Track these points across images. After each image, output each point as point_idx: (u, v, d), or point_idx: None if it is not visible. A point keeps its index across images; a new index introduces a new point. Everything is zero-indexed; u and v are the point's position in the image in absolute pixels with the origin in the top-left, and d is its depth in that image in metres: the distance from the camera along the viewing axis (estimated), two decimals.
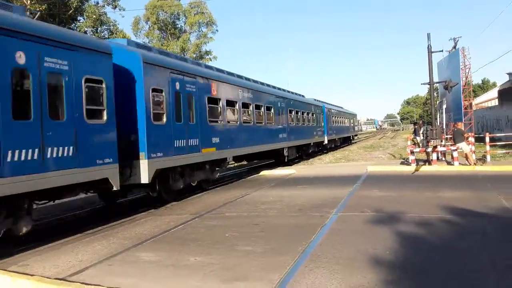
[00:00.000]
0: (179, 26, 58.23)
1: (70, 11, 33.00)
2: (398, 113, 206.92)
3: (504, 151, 20.27)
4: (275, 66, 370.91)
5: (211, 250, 6.74)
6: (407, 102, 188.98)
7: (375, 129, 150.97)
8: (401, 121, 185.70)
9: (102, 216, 10.53)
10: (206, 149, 13.20)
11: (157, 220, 9.63)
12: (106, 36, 41.48)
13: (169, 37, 56.34)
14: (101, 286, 5.29)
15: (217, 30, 59.84)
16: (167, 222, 9.22)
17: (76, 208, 12.05)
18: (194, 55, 57.00)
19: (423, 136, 18.41)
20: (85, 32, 39.24)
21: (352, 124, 48.15)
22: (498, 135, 24.86)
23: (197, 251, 6.72)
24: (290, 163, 23.22)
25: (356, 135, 55.11)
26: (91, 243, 7.73)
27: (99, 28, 38.20)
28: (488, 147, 17.84)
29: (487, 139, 17.94)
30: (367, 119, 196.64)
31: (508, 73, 46.38)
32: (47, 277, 5.79)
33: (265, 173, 18.45)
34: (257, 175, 18.17)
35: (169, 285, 5.31)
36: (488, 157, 17.40)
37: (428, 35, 17.64)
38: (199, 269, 5.83)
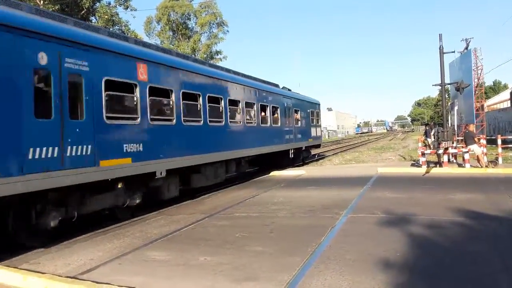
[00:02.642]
0: (190, 26, 58.51)
1: (83, 12, 33.29)
2: (408, 115, 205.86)
3: None
4: (285, 68, 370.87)
5: (221, 250, 6.77)
6: (418, 104, 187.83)
7: (385, 131, 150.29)
8: (412, 123, 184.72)
9: (114, 216, 10.60)
10: (111, 160, 8.79)
11: (168, 219, 9.69)
12: None
13: (180, 38, 56.62)
14: (111, 284, 5.34)
15: (227, 31, 60.04)
16: (177, 221, 9.27)
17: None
18: (205, 55, 57.23)
19: (434, 138, 18.30)
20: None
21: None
22: (510, 137, 24.63)
23: (207, 251, 6.75)
24: None
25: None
26: (102, 242, 7.80)
27: (111, 29, 38.48)
28: (500, 149, 17.67)
29: (499, 141, 17.77)
30: (378, 120, 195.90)
31: None
32: (58, 275, 5.86)
33: (275, 173, 18.45)
34: (267, 175, 18.18)
35: (180, 284, 5.34)
36: (500, 160, 17.22)
37: (440, 36, 17.53)
38: (209, 269, 5.86)
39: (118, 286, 5.30)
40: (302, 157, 24.36)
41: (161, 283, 5.43)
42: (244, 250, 6.74)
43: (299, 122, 22.80)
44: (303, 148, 23.68)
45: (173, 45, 55.94)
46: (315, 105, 26.60)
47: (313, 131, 25.33)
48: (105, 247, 7.44)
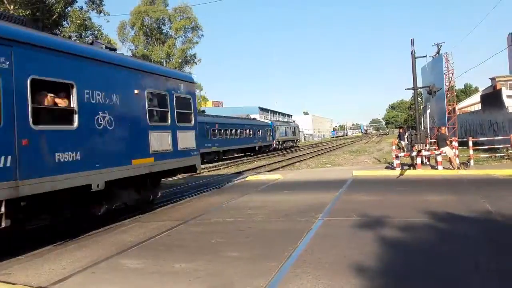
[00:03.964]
0: (164, 31, 58.15)
1: (54, 16, 32.70)
2: (383, 118, 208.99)
3: (487, 155, 20.54)
4: (262, 73, 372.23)
5: (197, 257, 6.70)
6: (392, 107, 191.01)
7: (361, 134, 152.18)
8: (386, 126, 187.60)
9: (88, 223, 10.39)
10: None
11: (143, 226, 9.54)
12: (91, 41, 41.18)
13: (155, 43, 56.18)
14: None
15: (202, 35, 59.94)
16: (152, 228, 9.13)
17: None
18: (180, 60, 56.91)
19: (407, 141, 18.61)
20: (69, 37, 38.96)
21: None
22: (481, 139, 25.22)
23: (183, 258, 6.67)
24: None
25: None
26: (74, 251, 7.62)
27: (83, 34, 37.90)
28: (471, 151, 18.06)
29: (470, 144, 18.15)
30: (353, 124, 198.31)
31: (490, 78, 47.20)
32: (30, 286, 5.70)
33: (251, 178, 18.43)
34: (243, 180, 18.14)
35: None
36: (472, 161, 17.61)
37: (412, 41, 17.88)
38: (184, 276, 5.78)
39: None
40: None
41: None
42: (220, 256, 6.68)
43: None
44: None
45: (147, 50, 55.48)
46: (175, 84, 12.56)
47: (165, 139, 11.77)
48: (78, 255, 7.27)
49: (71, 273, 6.27)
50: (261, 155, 46.49)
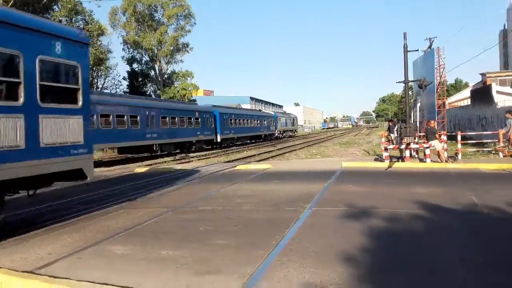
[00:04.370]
0: (156, 18, 57.53)
1: (45, 0, 32.19)
2: (373, 111, 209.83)
3: (474, 149, 20.76)
4: (254, 63, 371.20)
5: (184, 244, 6.70)
6: (383, 100, 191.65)
7: (351, 126, 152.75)
8: (376, 119, 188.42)
9: (74, 209, 10.32)
10: None
11: (130, 213, 9.50)
12: (82, 26, 40.67)
13: (146, 29, 55.59)
14: (70, 279, 5.21)
15: (195, 23, 59.51)
16: (140, 215, 9.10)
17: (47, 201, 11.78)
18: (172, 48, 56.48)
19: (397, 134, 18.71)
20: (60, 21, 38.42)
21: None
22: (469, 133, 25.45)
23: (170, 245, 6.66)
24: None
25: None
26: (61, 236, 7.57)
27: (74, 18, 37.41)
28: (459, 145, 18.22)
29: (459, 138, 18.31)
30: (344, 116, 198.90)
31: (480, 74, 47.57)
32: (15, 270, 5.65)
33: (240, 167, 18.44)
34: (233, 169, 18.14)
35: (140, 278, 5.23)
36: (459, 155, 17.78)
37: (404, 34, 17.89)
38: (171, 263, 5.78)
39: (77, 281, 5.17)
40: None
41: (121, 277, 5.29)
42: (208, 243, 6.68)
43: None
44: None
45: (138, 36, 54.89)
46: (41, 41, 8.20)
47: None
48: (64, 241, 7.23)
49: (57, 258, 6.23)
50: (263, 143, 51.01)
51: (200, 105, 45.75)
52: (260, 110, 67.78)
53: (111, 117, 27.00)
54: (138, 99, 35.88)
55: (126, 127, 28.37)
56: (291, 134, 72.47)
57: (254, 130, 53.85)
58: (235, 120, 47.48)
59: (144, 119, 30.27)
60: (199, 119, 39.02)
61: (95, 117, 24.77)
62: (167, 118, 33.45)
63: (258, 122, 55.78)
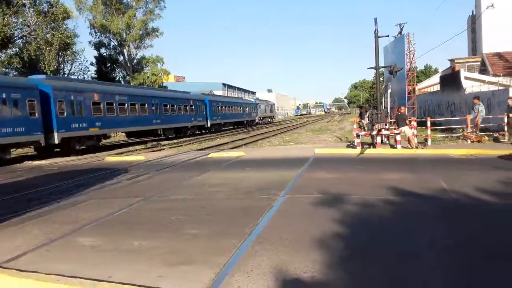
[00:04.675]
0: (125, 1, 56.03)
1: None
2: (345, 97, 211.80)
3: (443, 135, 21.19)
4: (225, 49, 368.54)
5: (156, 234, 6.60)
6: (355, 86, 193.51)
7: (323, 113, 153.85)
8: (348, 105, 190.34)
9: (43, 199, 10.04)
10: None
11: (100, 203, 9.30)
12: (46, 9, 39.31)
13: (114, 13, 54.12)
14: (38, 273, 5.06)
15: (164, 7, 58.39)
16: (110, 205, 8.92)
17: (11, 192, 11.44)
18: (141, 32, 55.31)
19: (368, 120, 18.91)
20: (23, 5, 37.06)
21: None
22: (438, 119, 25.96)
23: (142, 235, 6.55)
24: None
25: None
26: (29, 229, 7.36)
27: (37, 1, 36.10)
28: (429, 131, 18.56)
29: (428, 123, 18.64)
30: (316, 103, 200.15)
31: (449, 60, 48.46)
32: None
33: (213, 155, 18.32)
34: (205, 157, 18.01)
35: (111, 270, 5.12)
36: (429, 141, 18.12)
37: (375, 20, 17.94)
38: (143, 253, 5.68)
39: (45, 274, 5.03)
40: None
41: (92, 269, 5.17)
42: (180, 233, 6.60)
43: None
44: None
45: (106, 20, 53.45)
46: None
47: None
48: (32, 233, 7.02)
49: (25, 250, 6.05)
50: (238, 129, 52.71)
51: (193, 93, 46.34)
52: (242, 98, 74.73)
53: (126, 105, 30.49)
54: (143, 89, 39.61)
55: (137, 114, 31.97)
56: (269, 120, 77.54)
57: (238, 116, 57.96)
58: (222, 107, 51.52)
59: (151, 107, 33.88)
60: (193, 107, 41.80)
61: (114, 105, 28.84)
62: (168, 106, 36.66)
63: (241, 109, 60.11)
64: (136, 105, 31.84)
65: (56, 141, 23.14)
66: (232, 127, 57.05)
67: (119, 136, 43.47)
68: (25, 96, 21.30)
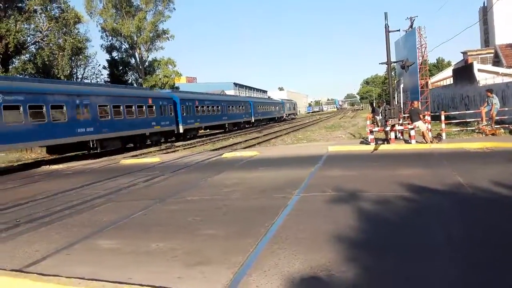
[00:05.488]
0: (134, 4, 56.35)
1: None
2: (357, 93, 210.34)
3: (458, 128, 20.97)
4: (237, 49, 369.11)
5: (173, 235, 6.67)
6: (367, 82, 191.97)
7: (335, 109, 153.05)
8: (361, 101, 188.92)
9: (60, 204, 10.19)
10: None
11: (117, 206, 9.43)
12: (57, 14, 39.76)
13: (124, 16, 54.49)
14: (59, 276, 5.14)
15: (174, 8, 58.55)
16: (127, 208, 9.03)
17: (29, 197, 11.63)
18: (151, 34, 55.60)
19: (381, 116, 18.80)
20: (35, 11, 37.54)
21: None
22: (452, 113, 25.69)
23: (159, 237, 6.63)
24: None
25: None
26: (48, 232, 7.49)
27: (48, 6, 36.51)
28: (443, 125, 18.38)
29: (443, 117, 18.47)
30: (328, 99, 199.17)
31: (462, 52, 47.90)
32: (3, 269, 5.57)
33: (227, 155, 18.38)
34: (219, 157, 18.09)
35: (130, 272, 5.20)
36: (444, 135, 17.96)
37: (386, 14, 17.83)
38: (161, 255, 5.75)
39: (66, 277, 5.11)
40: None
41: (111, 272, 5.26)
42: (197, 234, 6.66)
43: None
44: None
45: (117, 23, 53.86)
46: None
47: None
48: (52, 237, 7.15)
49: (45, 255, 6.16)
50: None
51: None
52: (271, 98, 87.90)
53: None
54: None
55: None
56: (293, 116, 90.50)
57: (271, 113, 69.58)
58: (261, 106, 64.15)
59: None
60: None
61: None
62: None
63: (273, 107, 72.58)
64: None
65: (181, 131, 36.01)
66: (265, 123, 65.68)
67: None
68: (169, 103, 34.35)
